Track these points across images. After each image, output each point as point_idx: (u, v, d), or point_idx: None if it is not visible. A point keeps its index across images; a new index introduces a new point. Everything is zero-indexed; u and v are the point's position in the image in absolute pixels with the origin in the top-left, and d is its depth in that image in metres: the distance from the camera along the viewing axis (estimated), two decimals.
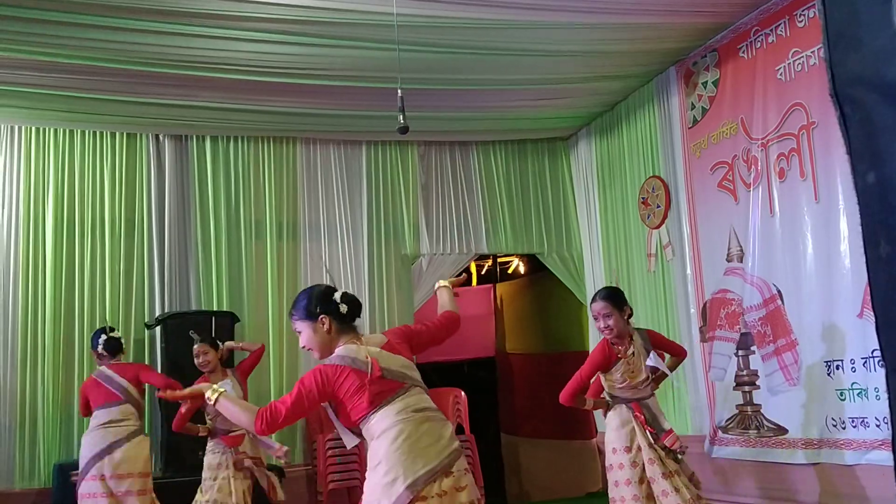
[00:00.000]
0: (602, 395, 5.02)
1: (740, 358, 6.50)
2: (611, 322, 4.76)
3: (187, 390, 3.51)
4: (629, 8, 5.95)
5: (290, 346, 7.50)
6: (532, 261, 9.41)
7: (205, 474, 5.61)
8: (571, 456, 8.70)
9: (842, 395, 5.54)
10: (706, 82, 6.90)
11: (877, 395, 5.27)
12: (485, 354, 9.80)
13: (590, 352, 8.44)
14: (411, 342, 3.32)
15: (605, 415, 4.95)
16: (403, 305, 8.12)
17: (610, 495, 4.76)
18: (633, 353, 4.81)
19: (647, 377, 4.83)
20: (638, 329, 4.98)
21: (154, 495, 5.80)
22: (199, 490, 5.61)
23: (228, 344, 6.11)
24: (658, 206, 7.45)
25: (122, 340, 6.04)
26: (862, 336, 5.34)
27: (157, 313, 7.25)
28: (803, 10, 5.86)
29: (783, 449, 6.01)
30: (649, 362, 4.78)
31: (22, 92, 6.44)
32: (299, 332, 3.19)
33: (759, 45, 6.32)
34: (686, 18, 6.32)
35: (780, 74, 6.09)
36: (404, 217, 8.27)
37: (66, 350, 6.98)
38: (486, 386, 9.77)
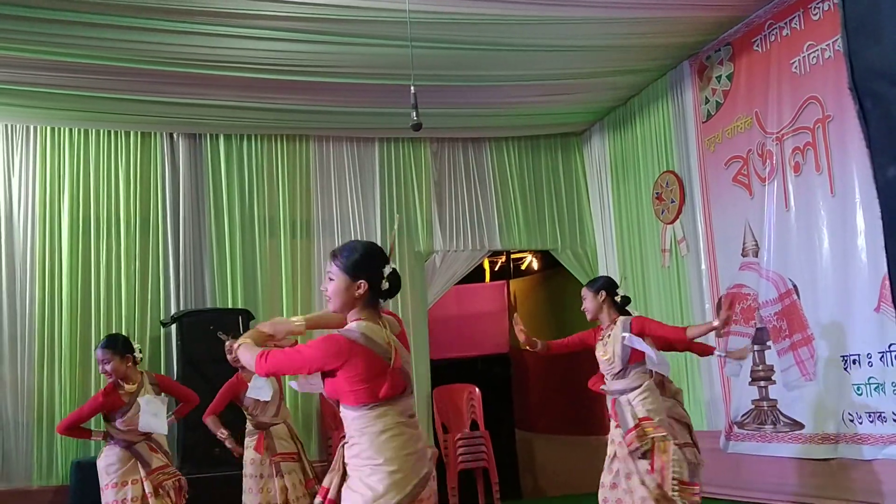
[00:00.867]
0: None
1: (756, 353, 6.47)
2: (584, 304, 5.06)
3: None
4: (642, 2, 5.93)
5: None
6: (545, 257, 9.40)
7: (247, 471, 5.67)
8: (587, 452, 8.67)
9: (858, 390, 5.52)
10: (720, 76, 6.87)
11: (894, 390, 5.25)
12: (499, 351, 9.79)
13: None
14: None
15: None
16: (417, 302, 8.12)
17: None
18: (609, 335, 4.88)
19: (621, 369, 4.80)
20: (624, 317, 4.94)
21: None
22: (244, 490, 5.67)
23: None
24: (672, 201, 7.42)
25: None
26: (879, 330, 5.31)
27: (173, 311, 7.29)
28: (818, 3, 5.82)
29: (799, 444, 5.99)
30: (627, 342, 4.72)
31: (37, 92, 6.48)
32: (331, 278, 2.93)
33: (773, 38, 6.29)
34: (700, 12, 6.30)
35: (795, 68, 6.05)
36: (417, 214, 8.27)
37: (83, 348, 7.02)
38: (501, 382, 9.77)
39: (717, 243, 6.91)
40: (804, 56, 5.97)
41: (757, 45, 6.45)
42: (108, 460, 4.95)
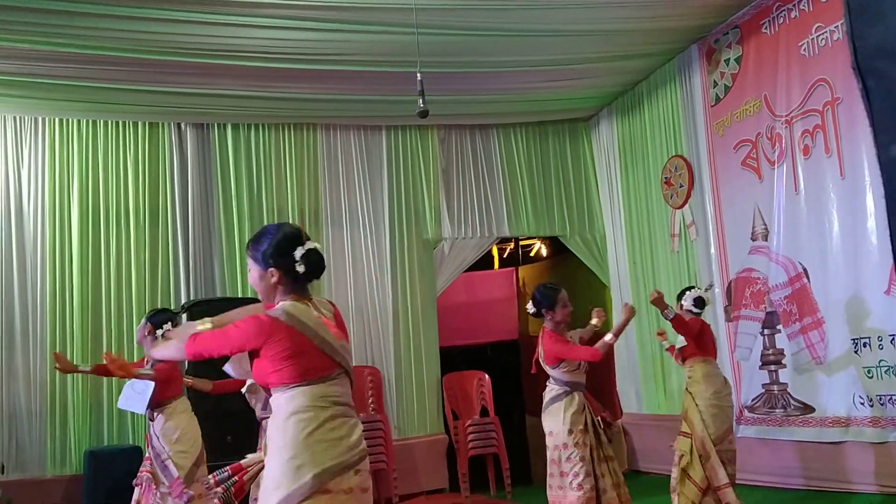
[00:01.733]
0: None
1: (766, 337, 6.46)
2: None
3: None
4: None
5: None
6: (554, 243, 9.38)
7: None
8: None
9: (869, 373, 5.50)
10: (728, 59, 6.83)
11: None
12: (508, 337, 9.79)
13: None
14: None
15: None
16: (426, 290, 8.13)
17: (560, 469, 4.84)
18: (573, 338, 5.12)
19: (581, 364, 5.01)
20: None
21: None
22: None
23: None
24: (681, 186, 7.40)
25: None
26: (889, 313, 5.30)
27: (183, 300, 7.32)
28: None
29: (810, 427, 5.98)
30: None
31: (46, 83, 6.49)
32: (249, 269, 2.94)
33: (781, 20, 6.24)
34: None
35: (804, 50, 6.01)
36: (425, 201, 8.27)
37: (94, 338, 7.06)
38: (510, 369, 9.77)
39: (727, 227, 6.89)
40: (813, 38, 5.93)
41: (765, 28, 6.41)
42: None
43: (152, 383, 5.00)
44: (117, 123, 7.44)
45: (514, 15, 6.13)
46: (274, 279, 2.86)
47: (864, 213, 5.52)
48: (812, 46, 5.94)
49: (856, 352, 5.61)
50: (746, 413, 6.60)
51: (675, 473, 5.33)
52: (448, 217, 8.31)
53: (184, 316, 7.15)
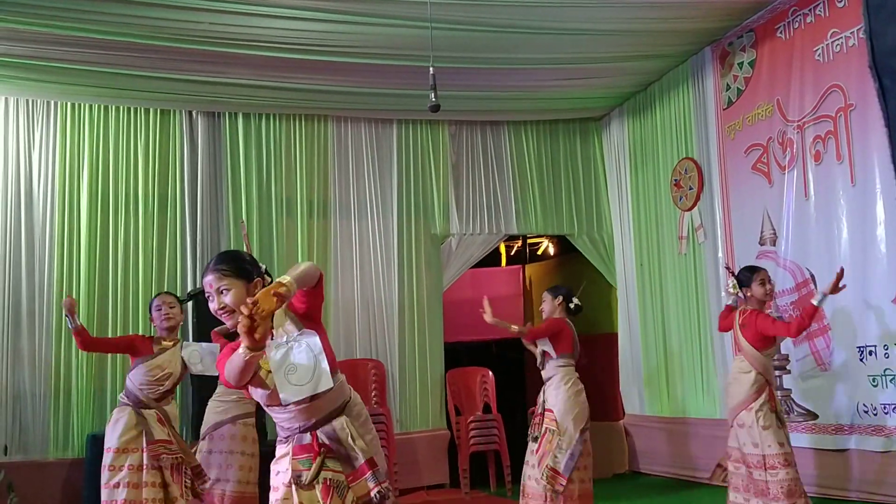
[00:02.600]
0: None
1: None
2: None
3: None
4: None
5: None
6: (562, 242, 9.38)
7: None
8: (598, 437, 8.65)
9: (874, 381, 5.49)
10: (742, 63, 6.81)
11: None
12: (510, 336, 9.78)
13: (618, 333, 8.44)
14: None
15: None
16: (432, 285, 8.13)
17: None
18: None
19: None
20: None
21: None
22: None
23: None
24: (690, 188, 7.38)
25: None
26: None
27: (189, 288, 7.32)
28: None
29: (813, 434, 5.96)
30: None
31: (58, 67, 6.50)
32: (226, 289, 2.77)
33: (796, 25, 6.22)
34: None
35: (818, 55, 5.99)
36: (434, 196, 8.27)
37: (100, 323, 7.07)
38: (515, 366, 9.77)
39: (735, 231, 6.87)
40: (828, 44, 5.90)
41: (780, 32, 6.39)
42: (115, 422, 5.03)
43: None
44: (129, 109, 7.45)
45: (528, 12, 6.12)
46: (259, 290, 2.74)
47: (874, 221, 5.50)
48: (827, 52, 5.92)
49: (861, 360, 5.59)
50: None
51: None
52: (456, 213, 8.30)
53: (189, 304, 7.17)
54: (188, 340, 6.95)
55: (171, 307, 5.24)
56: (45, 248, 7.05)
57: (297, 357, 2.73)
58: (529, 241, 10.23)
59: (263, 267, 2.93)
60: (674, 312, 7.60)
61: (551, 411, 5.57)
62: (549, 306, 5.82)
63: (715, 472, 5.36)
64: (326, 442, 2.78)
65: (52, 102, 7.23)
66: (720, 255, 7.02)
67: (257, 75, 6.93)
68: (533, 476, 5.55)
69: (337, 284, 7.73)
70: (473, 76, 7.19)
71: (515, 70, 7.20)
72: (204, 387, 6.16)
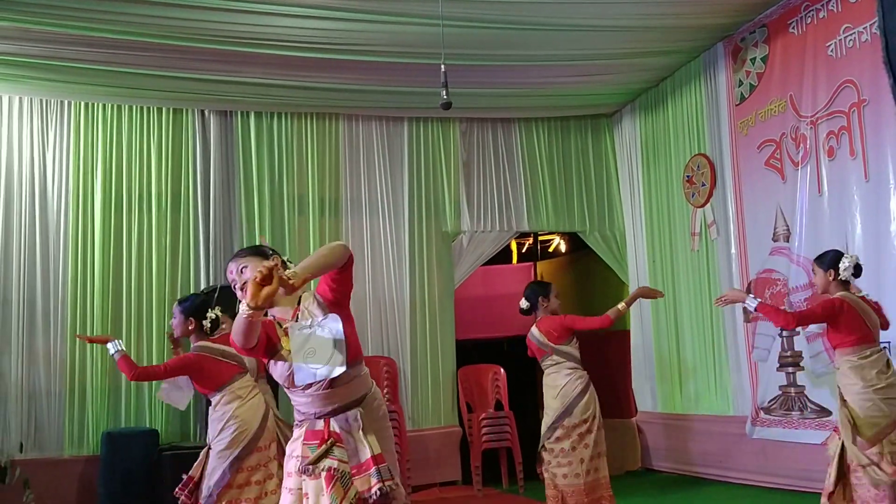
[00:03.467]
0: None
1: (784, 339, 6.42)
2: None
3: None
4: None
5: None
6: (573, 239, 9.36)
7: None
8: (611, 434, 8.64)
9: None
10: (755, 58, 6.78)
11: None
12: (525, 332, 9.77)
13: (631, 330, 8.43)
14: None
15: None
16: (443, 282, 8.14)
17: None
18: None
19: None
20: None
21: None
22: None
23: None
24: (703, 185, 7.36)
25: None
26: None
27: (202, 286, 7.35)
28: None
29: (826, 431, 5.93)
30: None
31: (71, 67, 6.53)
32: (244, 268, 3.00)
33: (809, 20, 6.19)
34: None
35: (831, 51, 5.96)
36: (446, 194, 8.27)
37: (114, 321, 7.12)
38: (526, 363, 9.75)
39: (748, 227, 6.85)
40: (841, 39, 5.87)
41: (793, 28, 6.36)
42: None
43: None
44: (142, 109, 7.49)
45: (539, 9, 6.11)
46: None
47: (888, 217, 5.47)
48: (840, 47, 5.88)
49: None
50: (762, 415, 6.57)
51: None
52: (468, 210, 8.30)
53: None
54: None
55: (173, 317, 4.84)
56: (59, 246, 7.10)
57: (318, 341, 2.75)
58: (541, 238, 10.21)
59: (286, 257, 2.99)
60: (686, 309, 7.58)
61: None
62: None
63: None
64: (337, 431, 2.79)
65: (66, 102, 7.27)
66: (733, 251, 7.00)
67: (269, 74, 6.95)
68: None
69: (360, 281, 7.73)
70: (484, 73, 7.19)
71: (526, 67, 7.19)
72: None
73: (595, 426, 5.58)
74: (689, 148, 7.59)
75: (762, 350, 6.61)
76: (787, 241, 6.40)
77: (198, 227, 7.48)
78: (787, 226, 6.40)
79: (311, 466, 2.76)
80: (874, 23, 5.44)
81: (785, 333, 6.39)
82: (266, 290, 2.49)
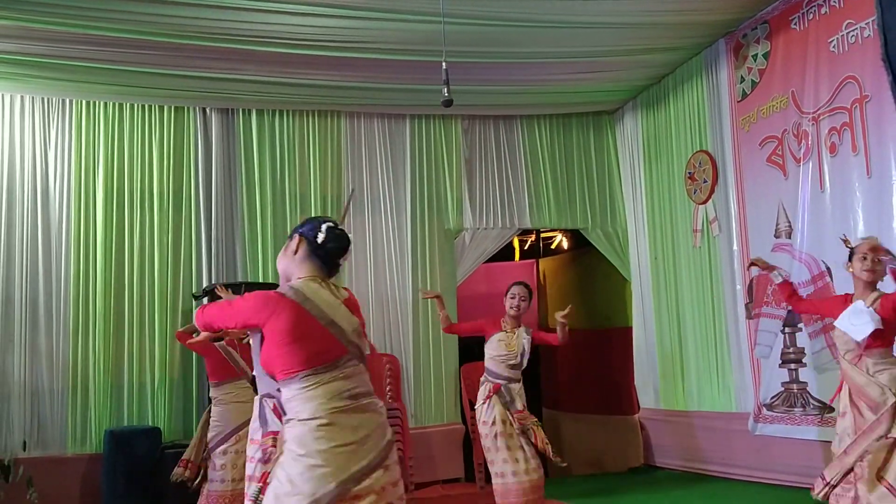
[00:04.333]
0: None
1: (787, 335, 6.42)
2: (524, 304, 6.06)
3: None
4: None
5: None
6: (576, 236, 9.36)
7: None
8: (613, 431, 8.69)
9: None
10: (756, 55, 6.77)
11: None
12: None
13: (633, 327, 8.43)
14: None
15: None
16: (446, 279, 8.14)
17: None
18: (515, 335, 6.09)
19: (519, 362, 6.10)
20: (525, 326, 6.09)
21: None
22: None
23: None
24: (705, 181, 7.35)
25: None
26: None
27: (204, 284, 7.36)
28: None
29: (829, 427, 5.93)
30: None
31: (73, 66, 6.54)
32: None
33: (811, 16, 6.18)
34: None
35: (833, 46, 5.95)
36: (448, 191, 8.27)
37: (117, 319, 7.13)
38: (529, 361, 9.75)
39: (750, 224, 6.84)
40: (843, 35, 5.86)
41: (794, 23, 6.35)
42: None
43: None
44: (143, 107, 7.49)
45: (540, 6, 6.11)
46: (294, 244, 2.89)
47: (890, 213, 5.46)
48: (842, 43, 5.87)
49: None
50: (765, 411, 6.57)
51: None
52: (470, 207, 8.30)
53: (204, 300, 7.21)
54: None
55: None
56: (61, 245, 7.11)
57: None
58: (543, 235, 10.22)
59: (327, 224, 2.90)
60: (688, 306, 7.58)
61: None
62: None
63: None
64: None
65: (68, 100, 7.28)
66: (735, 248, 6.99)
67: (270, 72, 6.95)
68: None
69: (351, 280, 7.75)
70: (486, 70, 7.18)
71: (528, 64, 7.18)
72: None
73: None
74: (690, 144, 7.59)
75: (764, 347, 6.60)
76: (790, 238, 6.39)
77: (199, 225, 7.49)
78: (789, 222, 6.39)
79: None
80: (875, 18, 5.42)
81: (788, 330, 6.39)
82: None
